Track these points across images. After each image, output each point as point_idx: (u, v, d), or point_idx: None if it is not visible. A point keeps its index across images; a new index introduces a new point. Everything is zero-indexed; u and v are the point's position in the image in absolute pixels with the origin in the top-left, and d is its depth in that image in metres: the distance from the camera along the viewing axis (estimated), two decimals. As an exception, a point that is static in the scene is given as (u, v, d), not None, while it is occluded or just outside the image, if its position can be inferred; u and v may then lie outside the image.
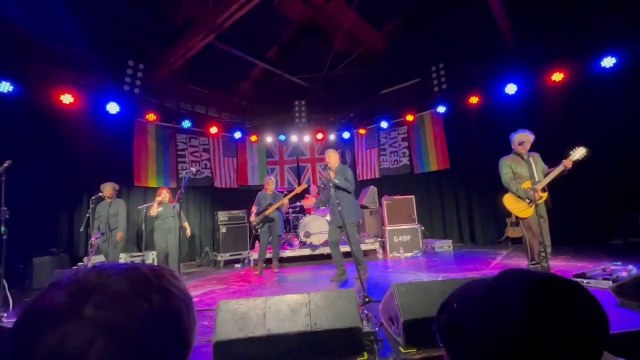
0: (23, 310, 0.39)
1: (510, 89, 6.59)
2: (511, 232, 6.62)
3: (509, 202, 3.97)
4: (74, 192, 6.24)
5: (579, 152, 3.65)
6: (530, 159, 3.82)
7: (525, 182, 3.81)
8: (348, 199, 4.36)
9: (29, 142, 5.43)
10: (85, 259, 5.76)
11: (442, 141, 7.84)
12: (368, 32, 7.29)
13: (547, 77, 6.19)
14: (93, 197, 5.27)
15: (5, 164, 3.42)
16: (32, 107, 5.62)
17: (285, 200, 5.65)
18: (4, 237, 3.36)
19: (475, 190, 7.35)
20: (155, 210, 5.57)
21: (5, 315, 3.32)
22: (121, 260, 5.91)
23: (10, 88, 5.34)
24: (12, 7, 4.89)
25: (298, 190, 5.87)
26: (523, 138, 3.85)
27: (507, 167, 3.99)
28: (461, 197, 7.64)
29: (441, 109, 7.65)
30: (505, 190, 4.08)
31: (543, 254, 3.72)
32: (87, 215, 5.48)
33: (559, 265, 4.36)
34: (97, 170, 6.27)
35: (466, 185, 7.54)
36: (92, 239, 5.07)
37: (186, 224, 5.68)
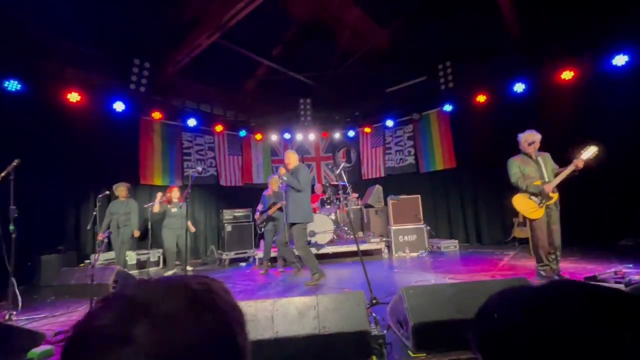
0: (71, 335, 0.38)
1: (519, 87, 6.50)
2: (518, 232, 6.55)
3: (519, 203, 3.86)
4: (80, 190, 6.28)
5: (589, 151, 3.55)
6: (540, 158, 3.75)
7: (536, 182, 3.73)
8: (296, 199, 4.42)
9: (37, 141, 5.46)
10: (92, 256, 5.80)
11: (448, 140, 7.77)
12: (373, 30, 7.21)
13: (557, 75, 6.09)
14: (100, 196, 5.31)
15: (14, 163, 3.44)
16: (40, 105, 5.65)
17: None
18: (13, 235, 3.38)
19: (482, 189, 7.29)
20: (157, 208, 5.65)
21: (15, 313, 3.35)
22: (128, 258, 5.97)
23: (19, 86, 5.37)
24: (21, 6, 4.90)
25: None
26: (532, 138, 3.76)
27: (516, 167, 3.90)
28: (467, 196, 7.57)
29: (448, 108, 7.57)
30: (514, 191, 4.01)
31: (553, 256, 3.67)
32: (94, 213, 5.54)
33: (569, 267, 4.30)
34: (103, 169, 6.33)
35: (473, 184, 7.47)
36: (101, 236, 5.12)
37: (189, 223, 5.71)
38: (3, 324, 2.66)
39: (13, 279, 3.39)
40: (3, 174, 3.37)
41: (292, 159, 4.64)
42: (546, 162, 3.81)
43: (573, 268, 4.26)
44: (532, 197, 3.72)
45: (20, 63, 5.46)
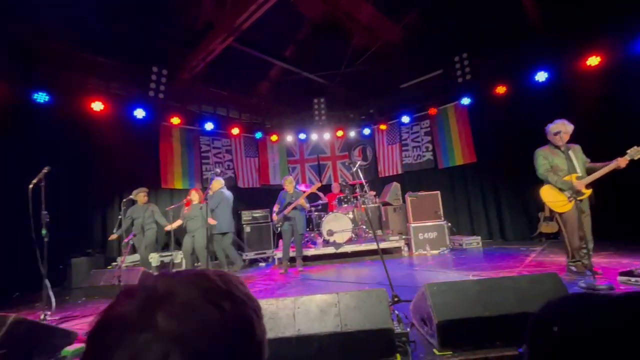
0: (96, 321, 0.39)
1: (541, 76, 6.24)
2: (545, 228, 6.28)
3: (547, 194, 3.66)
4: (106, 196, 6.53)
5: (636, 152, 3.29)
6: (570, 151, 3.52)
7: (566, 176, 3.52)
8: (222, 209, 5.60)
9: (64, 149, 5.70)
10: (119, 258, 6.02)
11: (467, 134, 7.56)
12: (386, 25, 7.12)
13: (582, 61, 5.80)
14: (124, 200, 5.50)
15: (45, 170, 3.60)
16: (66, 115, 5.91)
17: (301, 200, 5.63)
18: (46, 239, 3.54)
19: (505, 184, 7.04)
20: (187, 210, 5.75)
21: (49, 313, 3.51)
22: (151, 260, 6.15)
23: (47, 98, 5.64)
24: (44, 20, 5.14)
25: (312, 189, 5.86)
26: (559, 128, 3.56)
27: (543, 158, 3.71)
28: (489, 191, 7.34)
29: (465, 101, 7.37)
30: (539, 184, 3.84)
31: (585, 252, 3.48)
32: (119, 217, 5.75)
33: (602, 262, 4.09)
34: (126, 174, 6.56)
35: (494, 179, 7.24)
36: (126, 239, 5.29)
37: (209, 219, 5.58)
38: (39, 324, 2.79)
39: (47, 281, 3.54)
40: (35, 181, 3.54)
41: (214, 185, 5.77)
42: (577, 154, 3.61)
43: (606, 263, 4.04)
44: (563, 190, 3.54)
45: (47, 76, 5.73)
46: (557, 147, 3.63)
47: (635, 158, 3.30)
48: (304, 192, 5.92)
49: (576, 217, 3.43)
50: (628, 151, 3.33)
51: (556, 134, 3.55)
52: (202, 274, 0.44)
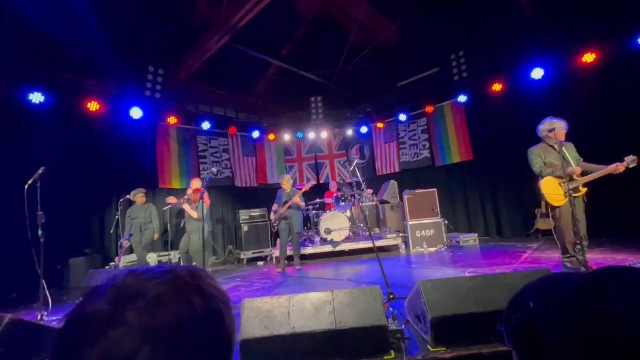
0: (66, 319, 0.40)
1: (537, 73, 6.24)
2: (541, 224, 6.21)
3: (547, 186, 3.69)
4: (103, 196, 6.52)
5: (632, 161, 3.39)
6: (563, 148, 3.58)
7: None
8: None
9: (61, 149, 5.69)
10: (116, 259, 6.02)
11: (464, 132, 7.58)
12: (382, 24, 7.13)
13: (578, 58, 5.82)
14: (121, 200, 5.51)
15: (40, 171, 3.60)
16: (62, 115, 5.89)
17: (296, 199, 5.64)
18: (42, 240, 3.54)
19: (501, 181, 7.07)
20: (194, 213, 5.60)
21: (46, 313, 3.51)
22: (149, 259, 6.16)
23: (42, 99, 5.62)
24: (44, 17, 5.10)
25: (306, 188, 5.87)
26: (552, 125, 3.61)
27: (537, 156, 3.78)
28: (486, 189, 7.36)
29: (462, 99, 7.38)
30: (535, 182, 3.89)
31: (579, 248, 3.52)
32: (117, 217, 5.76)
33: (596, 257, 4.12)
34: (124, 174, 6.55)
35: (491, 176, 7.26)
36: (122, 240, 5.30)
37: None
38: (36, 324, 2.79)
39: (43, 282, 3.54)
40: (30, 182, 3.54)
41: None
42: (570, 152, 3.69)
43: (602, 259, 4.07)
44: (562, 184, 3.58)
45: (43, 76, 5.71)
46: (551, 145, 3.69)
47: (631, 167, 3.40)
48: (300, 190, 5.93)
49: (570, 212, 3.47)
50: (626, 159, 3.41)
51: (551, 130, 3.58)
52: (170, 270, 0.45)
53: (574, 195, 3.43)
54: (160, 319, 0.38)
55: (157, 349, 0.36)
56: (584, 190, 3.59)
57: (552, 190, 3.65)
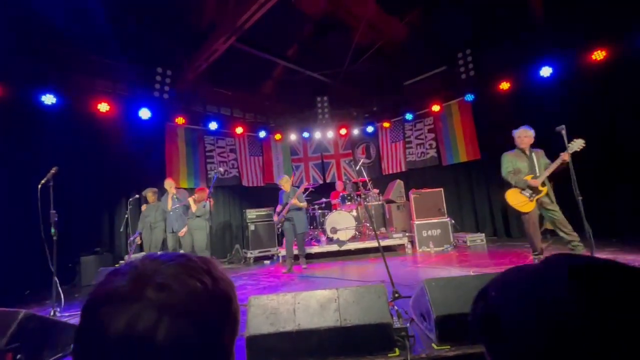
0: (89, 297, 0.43)
1: (545, 71, 6.17)
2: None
3: (511, 197, 4.04)
4: (113, 195, 6.64)
5: (576, 144, 3.62)
6: (533, 154, 3.95)
7: (526, 177, 3.92)
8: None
9: (72, 149, 5.81)
10: (126, 257, 6.14)
11: (471, 131, 7.52)
12: (388, 23, 7.11)
13: (587, 56, 5.72)
14: (131, 199, 5.61)
15: (52, 171, 3.70)
16: (73, 116, 6.02)
17: (293, 201, 5.62)
18: (54, 238, 3.64)
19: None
20: (194, 207, 5.73)
21: (59, 310, 3.61)
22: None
23: (54, 100, 5.75)
24: (55, 18, 5.19)
25: (300, 190, 5.77)
26: (520, 134, 4.00)
27: (509, 161, 4.11)
28: (494, 188, 7.27)
29: (469, 97, 7.32)
30: (508, 187, 4.12)
31: (575, 243, 3.74)
32: (126, 216, 5.86)
33: (606, 257, 4.05)
34: (133, 174, 6.67)
35: (499, 176, 7.15)
36: (132, 238, 5.40)
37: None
38: (50, 319, 2.87)
39: (56, 279, 3.64)
40: (43, 181, 3.64)
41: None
42: (539, 158, 3.98)
43: (611, 259, 4.01)
44: (523, 191, 3.92)
45: (55, 78, 5.84)
46: (523, 151, 4.02)
47: (578, 149, 3.59)
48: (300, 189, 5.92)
49: (537, 215, 3.89)
50: (569, 144, 3.60)
51: (518, 137, 4.01)
52: (183, 255, 0.49)
53: (536, 197, 3.83)
54: (176, 294, 0.42)
55: (174, 322, 0.40)
56: (544, 189, 3.84)
57: (516, 200, 3.98)
